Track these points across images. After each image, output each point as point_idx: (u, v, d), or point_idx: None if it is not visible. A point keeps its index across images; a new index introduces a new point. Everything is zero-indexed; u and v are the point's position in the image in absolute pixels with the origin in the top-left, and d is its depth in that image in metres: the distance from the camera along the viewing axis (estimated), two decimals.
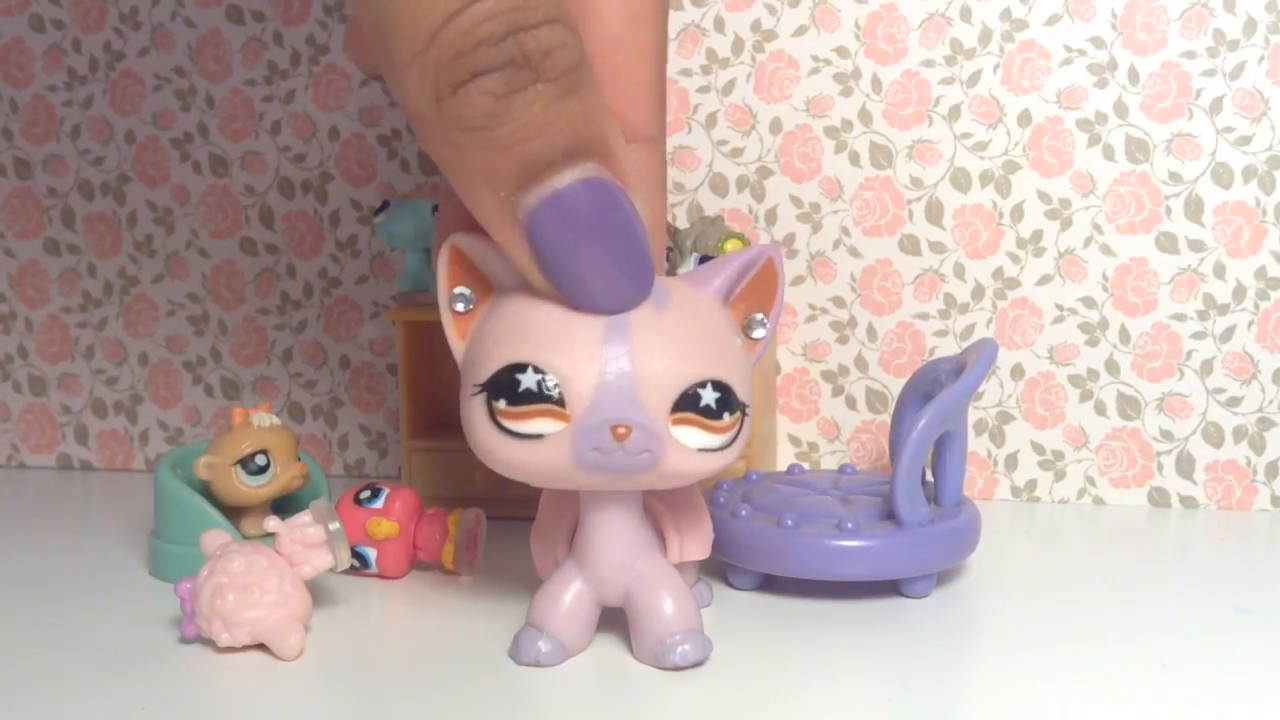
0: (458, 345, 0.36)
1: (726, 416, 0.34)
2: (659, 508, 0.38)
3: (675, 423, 0.34)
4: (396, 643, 0.40)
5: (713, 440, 0.34)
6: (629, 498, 0.37)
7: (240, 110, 0.61)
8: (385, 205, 0.52)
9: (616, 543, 0.37)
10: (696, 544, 0.38)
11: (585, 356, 0.33)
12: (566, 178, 0.32)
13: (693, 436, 0.34)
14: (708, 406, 0.34)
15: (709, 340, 0.35)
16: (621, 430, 0.33)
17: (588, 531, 0.37)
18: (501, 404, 0.34)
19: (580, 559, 0.37)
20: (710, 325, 0.35)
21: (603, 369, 0.33)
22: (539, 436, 0.34)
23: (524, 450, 0.34)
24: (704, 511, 0.39)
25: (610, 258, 0.33)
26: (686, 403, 0.34)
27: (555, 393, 0.33)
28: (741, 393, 0.35)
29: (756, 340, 0.37)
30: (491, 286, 0.36)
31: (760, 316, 0.37)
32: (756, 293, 0.37)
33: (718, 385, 0.34)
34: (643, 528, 0.37)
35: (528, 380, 0.33)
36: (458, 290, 0.36)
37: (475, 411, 0.34)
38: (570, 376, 0.33)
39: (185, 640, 0.39)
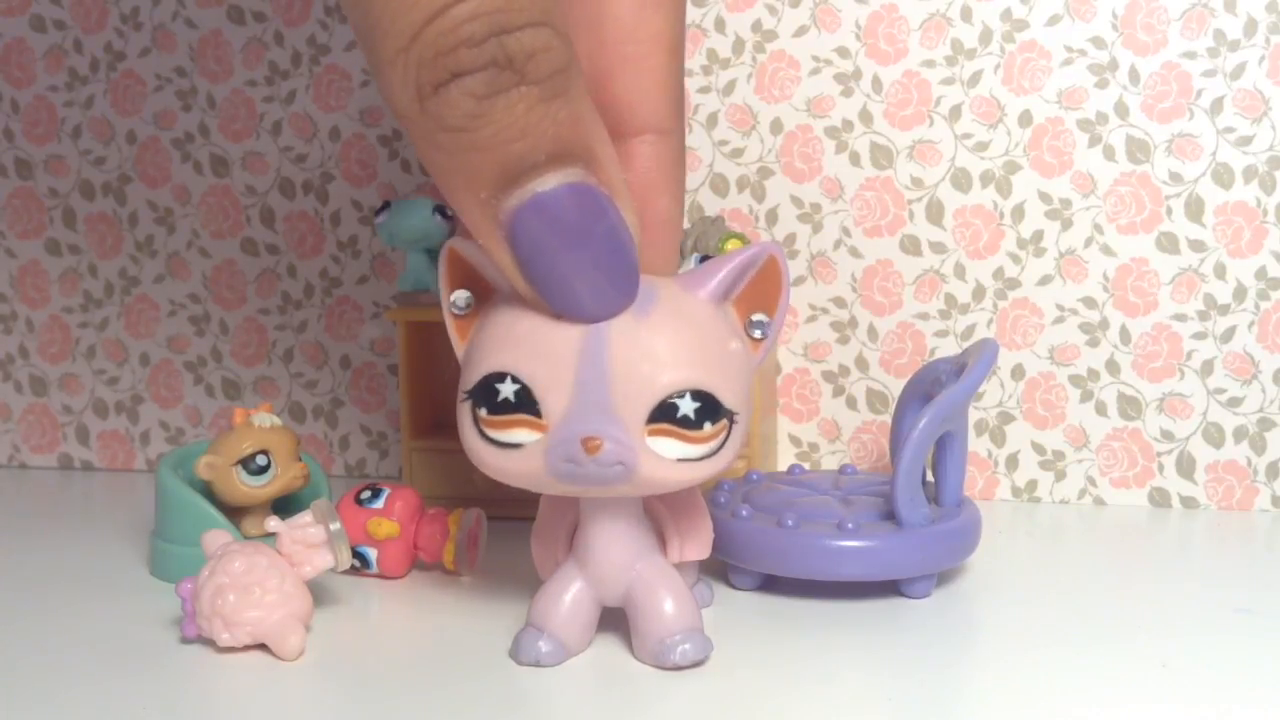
0: (459, 347, 0.36)
1: (708, 426, 0.34)
2: (659, 509, 0.38)
3: (652, 434, 0.33)
4: (397, 643, 0.40)
5: (693, 450, 0.34)
6: (628, 499, 0.37)
7: (241, 110, 0.61)
8: (386, 205, 0.52)
9: (616, 543, 0.37)
10: (697, 544, 0.38)
11: (562, 366, 0.33)
12: (549, 181, 0.32)
13: (670, 447, 0.34)
14: (685, 417, 0.33)
15: (693, 346, 0.34)
16: (593, 443, 0.33)
17: (587, 532, 0.37)
18: (483, 412, 0.34)
19: (580, 559, 0.37)
20: (697, 330, 0.34)
21: (577, 379, 0.33)
22: (517, 445, 0.34)
23: (504, 458, 0.34)
24: (704, 512, 0.39)
25: (593, 264, 0.33)
26: (663, 413, 0.33)
27: (531, 403, 0.33)
28: (729, 400, 0.34)
29: (759, 342, 0.36)
30: (490, 289, 0.36)
31: (762, 317, 0.36)
32: (759, 292, 0.36)
33: (698, 394, 0.33)
34: (642, 528, 0.37)
35: (506, 390, 0.34)
36: (456, 294, 0.36)
37: (464, 418, 0.35)
38: (547, 387, 0.33)
39: (186, 640, 0.39)
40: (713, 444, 0.34)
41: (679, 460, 0.34)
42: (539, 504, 0.39)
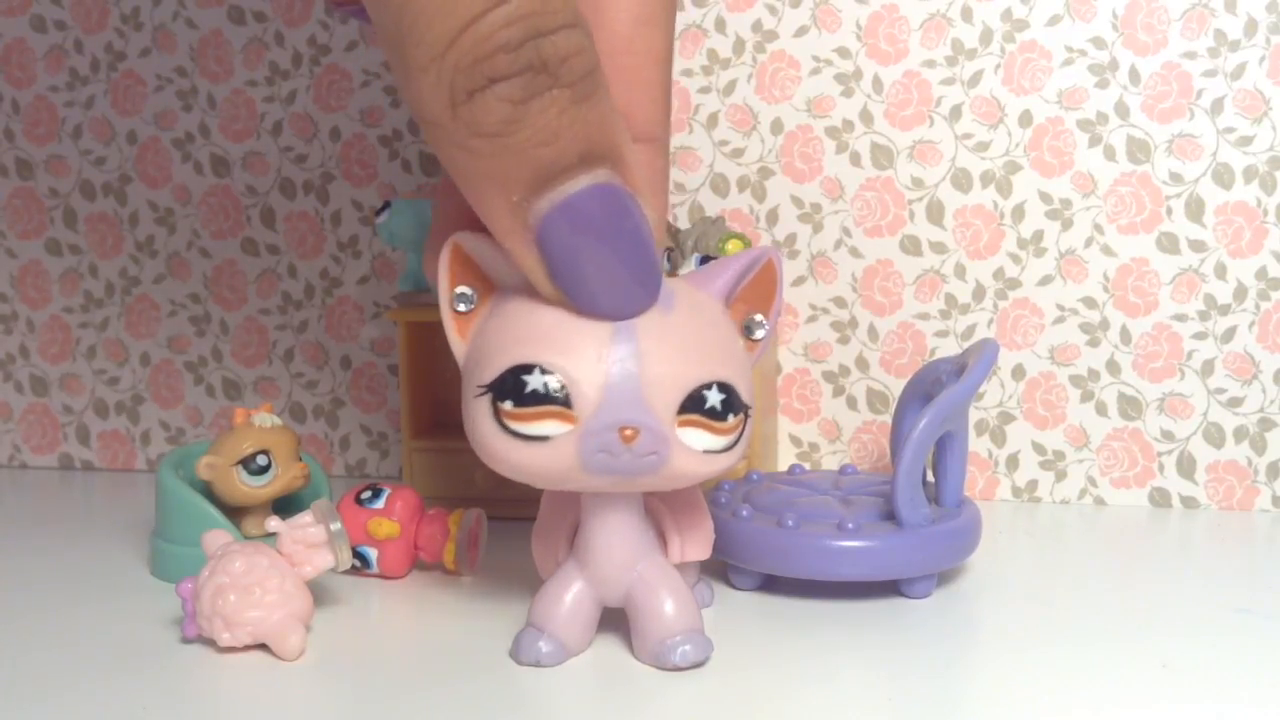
0: (459, 345, 0.36)
1: (731, 418, 0.34)
2: (660, 508, 0.38)
3: (681, 424, 0.34)
4: (397, 643, 0.40)
5: (717, 442, 0.34)
6: (630, 498, 0.37)
7: (242, 111, 0.61)
8: (386, 205, 0.52)
9: (617, 543, 0.37)
10: (697, 544, 0.38)
11: (592, 358, 0.33)
12: (580, 183, 0.32)
13: (698, 438, 0.34)
14: (713, 408, 0.34)
15: (713, 341, 0.35)
16: (629, 432, 0.33)
17: (588, 532, 0.37)
18: (508, 405, 0.33)
19: (581, 559, 0.37)
20: (714, 326, 0.35)
21: (609, 370, 0.33)
22: (545, 439, 0.33)
23: (530, 452, 0.34)
24: (705, 512, 0.39)
25: (620, 263, 0.33)
26: (692, 404, 0.34)
27: (562, 394, 0.33)
28: (744, 394, 0.35)
29: (756, 341, 0.37)
30: (493, 286, 0.36)
31: (759, 318, 0.37)
32: (755, 294, 0.37)
33: (723, 387, 0.34)
34: (643, 528, 0.37)
35: (534, 382, 0.33)
36: (459, 290, 0.36)
37: (479, 413, 0.34)
38: (577, 378, 0.33)
39: (186, 640, 0.39)
40: (733, 436, 0.35)
41: (705, 451, 0.34)
42: (540, 503, 0.39)
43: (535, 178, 0.32)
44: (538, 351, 0.33)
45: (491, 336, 0.35)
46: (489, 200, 0.32)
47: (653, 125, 0.37)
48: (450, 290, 0.36)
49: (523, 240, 0.33)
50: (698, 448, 0.34)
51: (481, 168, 0.32)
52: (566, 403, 0.33)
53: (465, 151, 0.31)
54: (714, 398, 0.34)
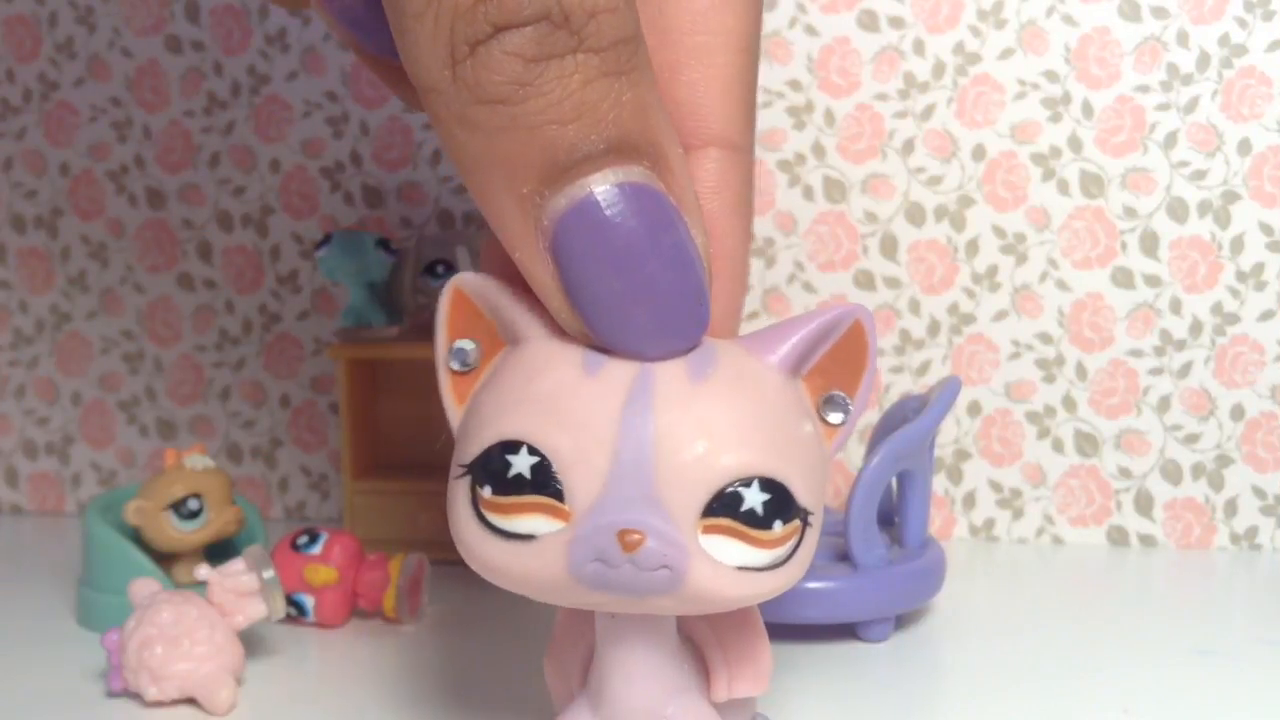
0: (454, 412, 0.29)
1: (778, 526, 0.26)
2: (702, 629, 0.30)
3: (707, 530, 0.26)
4: (335, 695, 0.39)
5: (758, 557, 0.26)
6: (659, 617, 0.28)
7: (178, 142, 0.59)
8: (327, 239, 0.51)
9: (640, 678, 0.29)
10: (750, 677, 0.30)
11: (595, 437, 0.26)
12: (608, 179, 0.26)
13: (730, 550, 0.26)
14: (751, 511, 0.26)
15: (762, 423, 0.27)
16: (633, 537, 0.25)
17: (602, 659, 0.29)
18: (486, 491, 0.26)
19: (594, 697, 0.29)
20: (767, 404, 0.27)
21: (616, 454, 0.26)
22: (529, 537, 0.26)
23: (509, 553, 0.26)
24: (760, 632, 0.30)
25: (656, 285, 0.26)
26: (724, 505, 0.26)
27: (553, 482, 0.26)
28: (803, 495, 0.27)
29: (835, 427, 0.29)
30: (500, 341, 0.29)
31: (841, 395, 0.29)
32: (837, 364, 0.29)
33: (768, 484, 0.26)
34: (676, 656, 0.29)
35: (520, 463, 0.26)
36: (458, 344, 0.29)
37: (457, 498, 0.27)
38: (574, 461, 0.26)
39: (113, 694, 0.38)
40: (781, 550, 0.27)
41: (739, 569, 0.26)
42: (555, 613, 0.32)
43: (550, 163, 0.25)
44: (528, 424, 0.26)
45: (484, 403, 0.28)
46: (495, 193, 0.26)
47: (731, 125, 0.30)
48: (447, 345, 0.29)
49: (535, 247, 0.26)
50: (729, 563, 0.26)
51: (485, 147, 0.26)
52: (557, 493, 0.26)
53: (467, 127, 0.25)
54: (754, 498, 0.26)
